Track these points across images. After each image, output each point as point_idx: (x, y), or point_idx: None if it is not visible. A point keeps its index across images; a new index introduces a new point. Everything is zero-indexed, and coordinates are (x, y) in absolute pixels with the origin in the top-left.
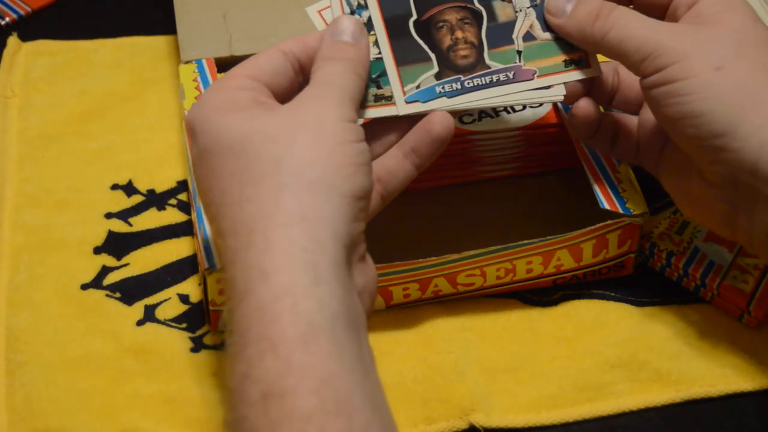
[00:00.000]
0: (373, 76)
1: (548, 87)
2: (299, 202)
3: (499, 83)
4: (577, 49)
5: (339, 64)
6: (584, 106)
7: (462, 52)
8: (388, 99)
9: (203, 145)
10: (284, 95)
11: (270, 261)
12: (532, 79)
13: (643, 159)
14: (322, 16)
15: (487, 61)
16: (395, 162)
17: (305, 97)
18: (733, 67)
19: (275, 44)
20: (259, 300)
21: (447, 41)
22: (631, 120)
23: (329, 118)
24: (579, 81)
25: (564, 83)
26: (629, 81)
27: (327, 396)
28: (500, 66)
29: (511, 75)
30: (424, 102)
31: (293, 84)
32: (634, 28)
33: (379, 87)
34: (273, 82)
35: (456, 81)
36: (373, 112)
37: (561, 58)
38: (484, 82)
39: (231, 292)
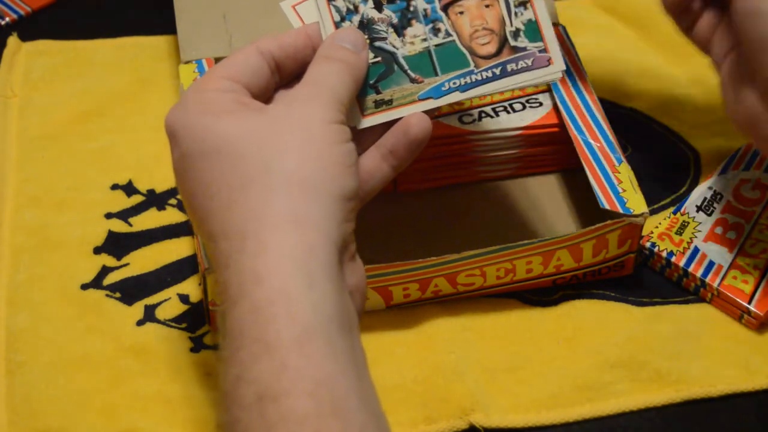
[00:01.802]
0: (372, 81)
1: (548, 64)
2: (290, 204)
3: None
4: (536, 40)
5: (335, 65)
6: None
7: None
8: (389, 103)
9: (187, 149)
10: (261, 95)
11: (263, 264)
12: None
13: (712, 51)
14: (296, 12)
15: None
16: (373, 163)
17: (294, 97)
18: None
19: (252, 43)
20: (253, 303)
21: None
22: (716, 13)
23: (317, 120)
24: None
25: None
26: None
27: (322, 398)
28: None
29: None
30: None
31: (270, 84)
32: None
33: (378, 92)
34: (251, 82)
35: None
36: (376, 119)
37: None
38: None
39: (224, 295)
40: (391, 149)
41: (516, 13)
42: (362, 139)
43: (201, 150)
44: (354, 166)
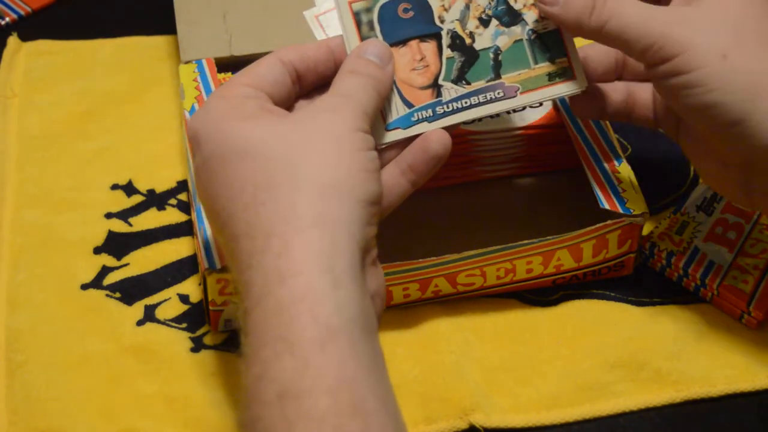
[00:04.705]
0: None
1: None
2: (315, 205)
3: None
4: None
5: (361, 79)
6: (582, 107)
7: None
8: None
9: (210, 152)
10: (282, 104)
11: (287, 264)
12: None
13: (662, 126)
14: (319, 21)
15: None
16: (392, 178)
17: (321, 106)
18: (738, 54)
19: (274, 52)
20: (278, 302)
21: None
22: (646, 88)
23: (344, 128)
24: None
25: (558, 95)
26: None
27: (343, 397)
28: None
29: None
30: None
31: (291, 93)
32: (633, 15)
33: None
34: (273, 91)
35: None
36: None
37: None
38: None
39: (246, 294)
40: (411, 164)
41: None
42: (382, 155)
43: (225, 152)
44: (378, 173)
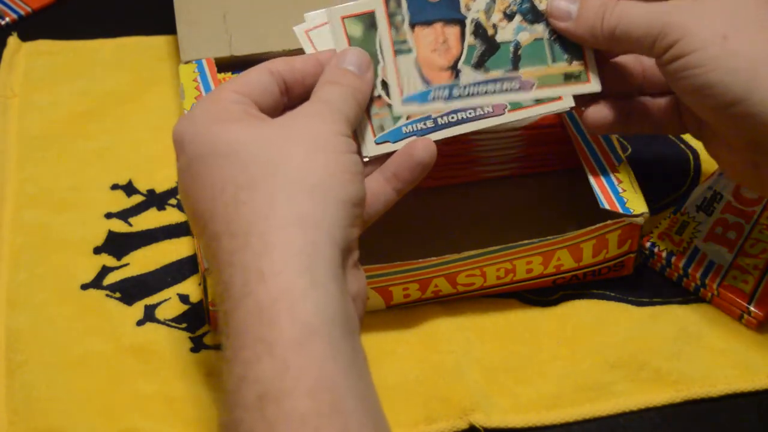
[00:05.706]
0: None
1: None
2: (296, 205)
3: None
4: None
5: (340, 88)
6: (593, 115)
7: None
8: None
9: (193, 154)
10: (269, 113)
11: (267, 263)
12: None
13: (688, 128)
14: (309, 37)
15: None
16: (377, 185)
17: (302, 111)
18: (739, 34)
19: (264, 63)
20: (257, 302)
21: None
22: (664, 99)
23: (325, 131)
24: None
25: (572, 95)
26: (652, 64)
27: (322, 398)
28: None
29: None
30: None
31: (278, 104)
32: (638, 15)
33: None
34: (260, 99)
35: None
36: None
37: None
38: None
39: (226, 294)
40: (395, 171)
41: None
42: (366, 164)
43: (208, 154)
44: (360, 175)
